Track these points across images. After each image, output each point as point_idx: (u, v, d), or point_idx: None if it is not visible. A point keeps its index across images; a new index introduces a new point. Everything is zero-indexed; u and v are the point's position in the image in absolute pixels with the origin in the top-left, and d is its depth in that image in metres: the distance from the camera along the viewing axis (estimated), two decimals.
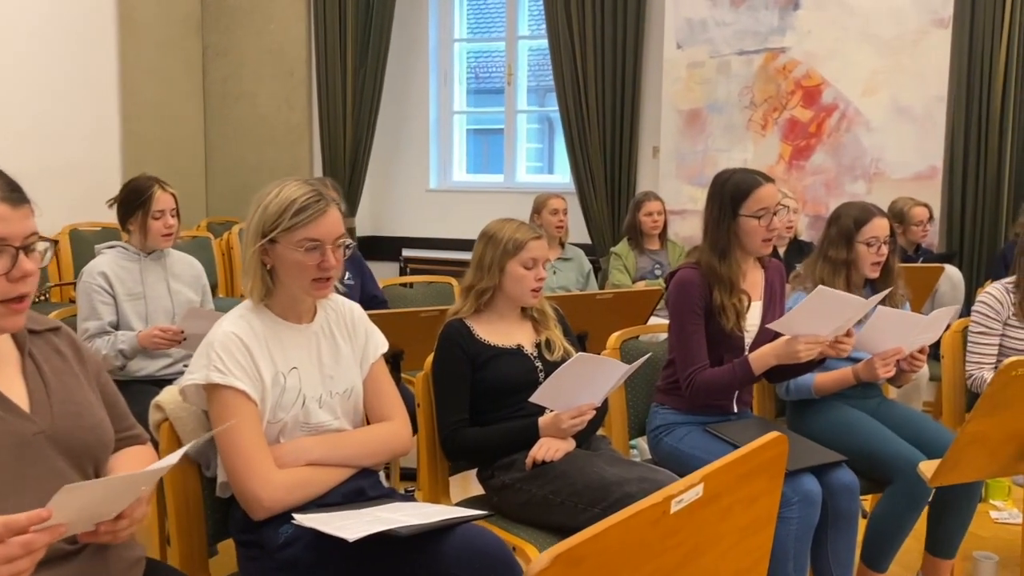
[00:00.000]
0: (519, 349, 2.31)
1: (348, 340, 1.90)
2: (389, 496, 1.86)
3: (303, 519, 1.63)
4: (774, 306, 2.58)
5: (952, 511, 2.65)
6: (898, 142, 5.00)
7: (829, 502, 2.38)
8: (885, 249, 2.77)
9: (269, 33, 6.29)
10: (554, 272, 4.34)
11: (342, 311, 1.92)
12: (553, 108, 5.99)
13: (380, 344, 1.96)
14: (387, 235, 6.61)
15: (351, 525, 1.56)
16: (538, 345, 2.33)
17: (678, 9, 5.35)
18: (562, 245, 4.42)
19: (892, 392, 3.40)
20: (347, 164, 6.23)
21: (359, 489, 1.82)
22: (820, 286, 2.27)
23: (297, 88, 6.27)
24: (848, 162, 5.12)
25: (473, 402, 2.27)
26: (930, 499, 2.78)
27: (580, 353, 2.09)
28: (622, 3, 5.53)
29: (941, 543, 2.67)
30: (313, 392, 1.81)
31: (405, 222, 6.59)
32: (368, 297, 3.58)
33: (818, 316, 2.25)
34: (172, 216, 3.00)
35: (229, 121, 6.42)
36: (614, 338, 2.71)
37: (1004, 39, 4.77)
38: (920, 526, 2.71)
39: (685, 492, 1.04)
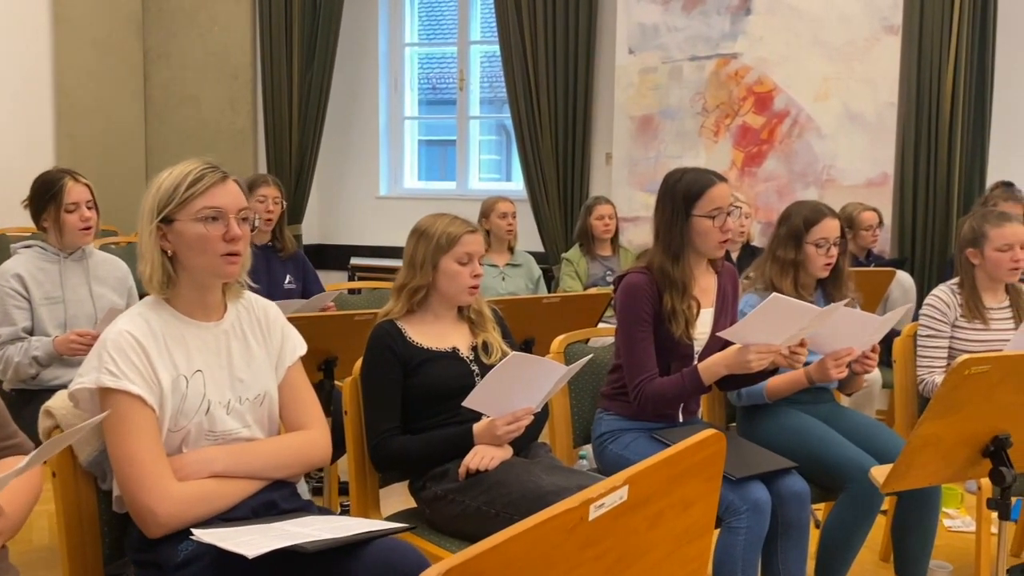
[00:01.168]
0: (454, 352, 2.18)
1: (262, 341, 1.76)
2: (304, 509, 1.72)
3: (202, 535, 1.48)
4: (726, 313, 2.48)
5: (914, 526, 2.57)
6: (849, 148, 4.98)
7: (779, 511, 2.28)
8: (835, 251, 2.70)
9: (213, 35, 6.12)
10: (503, 278, 4.22)
11: (255, 310, 1.78)
12: (506, 115, 5.89)
13: (298, 346, 1.82)
14: (335, 243, 6.44)
15: (254, 541, 1.42)
16: (474, 348, 2.21)
17: (630, 14, 5.29)
18: (511, 250, 4.31)
19: (844, 400, 3.34)
20: (293, 170, 6.06)
21: (270, 502, 1.67)
22: (774, 294, 2.17)
23: (241, 91, 6.09)
24: (800, 168, 5.09)
25: (405, 409, 2.14)
26: (887, 511, 2.70)
27: (515, 353, 1.96)
28: (574, 8, 5.45)
29: (908, 564, 2.58)
30: (220, 397, 1.66)
31: (354, 230, 6.43)
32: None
33: (771, 325, 2.16)
34: (88, 208, 2.82)
35: (171, 125, 6.22)
36: (558, 342, 2.59)
37: (952, 45, 4.78)
38: (875, 536, 2.63)
39: (606, 496, 0.92)
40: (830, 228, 2.68)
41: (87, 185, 2.84)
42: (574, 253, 4.49)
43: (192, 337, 1.65)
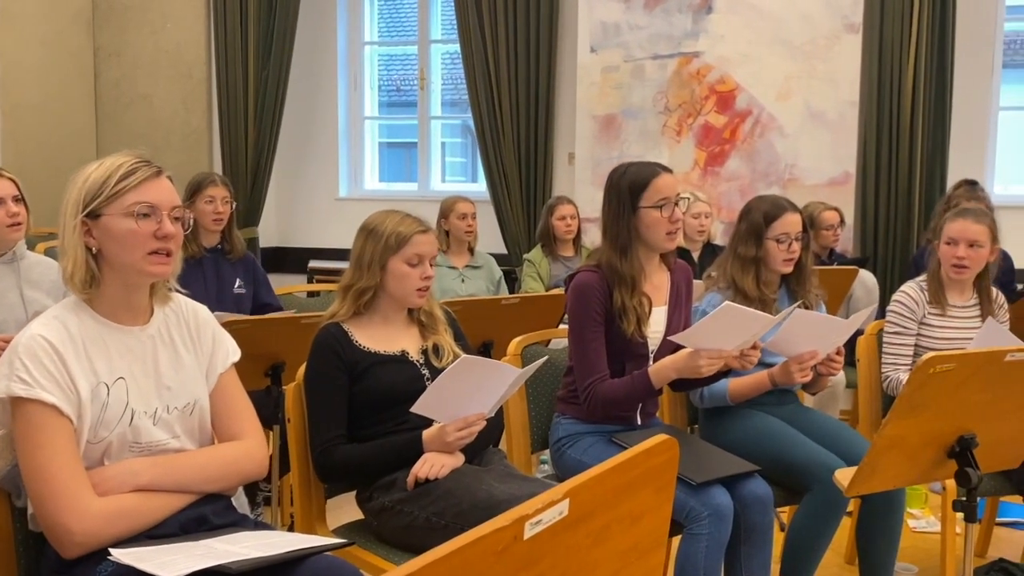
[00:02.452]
0: (403, 355, 2.08)
1: (192, 347, 1.65)
2: (238, 524, 1.61)
3: (121, 555, 1.36)
4: (680, 311, 2.41)
5: (879, 528, 2.52)
6: (812, 148, 4.96)
7: (742, 516, 2.21)
8: (797, 246, 2.64)
9: (166, 32, 5.95)
10: (462, 280, 4.13)
11: (184, 313, 1.67)
12: (468, 115, 5.79)
13: (231, 352, 1.71)
14: (294, 245, 6.29)
15: (176, 561, 1.31)
16: (425, 351, 2.11)
17: (591, 12, 5.22)
18: (471, 251, 4.21)
19: (808, 400, 3.29)
20: (249, 170, 5.91)
21: (201, 517, 1.56)
22: (726, 303, 2.12)
23: (195, 90, 5.93)
24: (763, 168, 5.05)
25: (352, 416, 2.04)
26: (851, 511, 2.65)
27: (465, 356, 1.87)
28: (535, 5, 5.37)
29: (874, 567, 2.53)
30: (145, 407, 1.55)
31: (313, 232, 6.28)
32: (262, 306, 3.31)
33: (723, 332, 2.10)
34: (15, 203, 2.67)
35: (123, 125, 6.04)
36: (515, 344, 2.51)
37: (912, 44, 4.77)
38: (839, 538, 2.57)
39: (544, 511, 0.83)
40: (791, 223, 2.62)
41: (11, 179, 2.69)
42: (536, 254, 4.40)
43: (115, 342, 1.54)
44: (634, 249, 2.29)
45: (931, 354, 1.77)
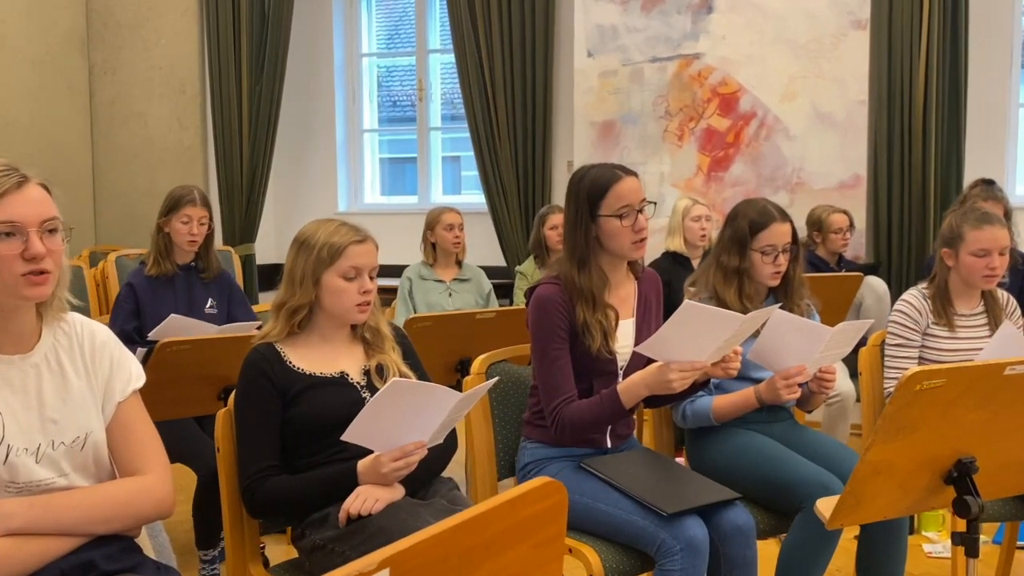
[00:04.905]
0: (342, 377, 1.92)
1: (84, 373, 1.49)
2: (135, 569, 1.44)
3: None
4: (649, 323, 2.22)
5: (881, 556, 2.31)
6: (820, 150, 4.74)
7: (721, 549, 2.01)
8: (784, 259, 2.43)
9: (159, 48, 5.88)
10: (450, 294, 3.96)
11: (79, 335, 1.51)
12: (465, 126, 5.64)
13: (133, 377, 1.55)
14: None
15: None
16: (367, 372, 1.94)
17: (588, 15, 5.06)
18: (459, 264, 4.05)
19: (818, 415, 3.07)
20: (245, 186, 5.80)
21: (87, 562, 1.40)
22: (687, 301, 1.91)
23: (189, 107, 5.85)
24: (768, 172, 4.84)
25: (286, 444, 1.87)
26: (855, 537, 2.43)
27: (395, 379, 1.69)
28: (530, 10, 5.21)
29: None
30: (26, 443, 1.39)
31: None
32: None
33: (691, 337, 1.90)
34: None
35: (117, 143, 5.98)
36: (479, 362, 2.33)
37: (924, 39, 4.53)
38: (846, 564, 2.36)
39: None
40: (778, 234, 2.41)
41: None
42: (528, 266, 4.23)
43: None
44: (595, 260, 2.11)
45: (915, 369, 1.57)
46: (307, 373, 1.89)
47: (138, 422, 1.53)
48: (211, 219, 3.26)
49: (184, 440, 2.69)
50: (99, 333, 1.54)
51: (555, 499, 0.84)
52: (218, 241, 5.93)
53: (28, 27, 5.53)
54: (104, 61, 5.96)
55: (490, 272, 4.28)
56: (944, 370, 1.59)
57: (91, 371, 1.50)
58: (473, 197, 5.99)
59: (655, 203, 2.15)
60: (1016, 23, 4.73)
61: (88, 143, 6.00)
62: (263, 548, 1.74)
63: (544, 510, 0.84)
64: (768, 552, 2.33)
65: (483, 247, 5.27)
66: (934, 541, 3.26)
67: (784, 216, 2.47)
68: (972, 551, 1.77)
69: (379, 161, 6.40)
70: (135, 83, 5.92)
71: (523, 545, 0.82)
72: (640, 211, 2.09)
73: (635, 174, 2.14)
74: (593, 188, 2.09)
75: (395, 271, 4.10)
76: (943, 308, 2.64)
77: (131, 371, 1.55)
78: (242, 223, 5.80)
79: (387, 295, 4.21)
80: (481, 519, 0.76)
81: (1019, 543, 3.02)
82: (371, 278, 1.91)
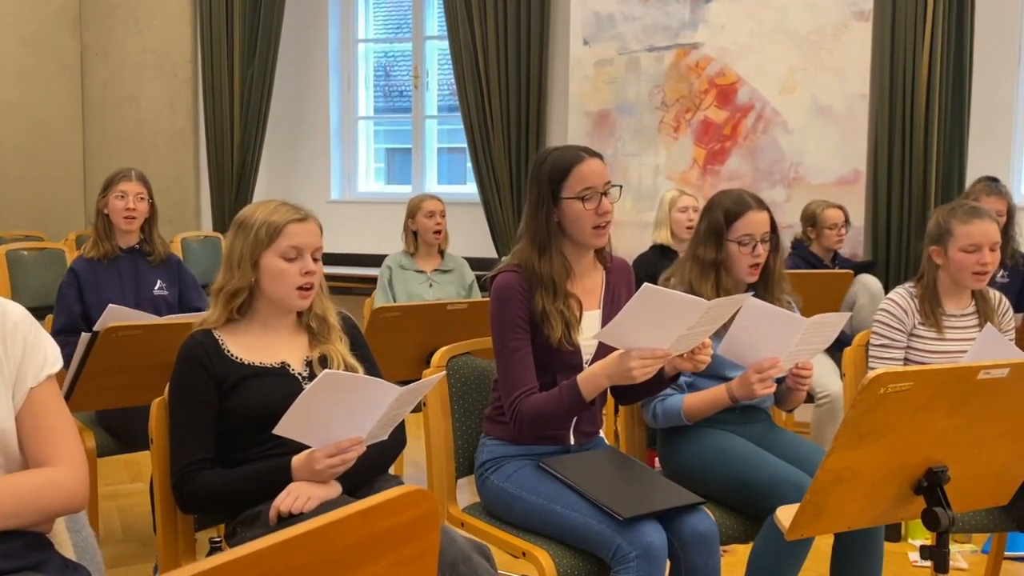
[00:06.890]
0: (283, 367, 1.83)
1: None
2: (39, 567, 1.36)
3: None
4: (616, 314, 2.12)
5: (854, 566, 2.20)
6: (819, 144, 4.61)
7: (683, 556, 1.92)
8: (762, 249, 2.33)
9: (152, 30, 5.80)
10: (430, 285, 3.86)
11: None
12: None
13: (49, 362, 1.46)
14: None
15: None
16: (309, 363, 1.85)
17: (584, 2, 4.94)
18: (441, 254, 3.95)
19: (808, 414, 2.96)
20: (235, 171, 5.72)
21: None
22: (645, 284, 1.81)
23: (181, 90, 5.78)
24: (766, 166, 4.72)
25: (222, 437, 1.78)
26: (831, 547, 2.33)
27: (327, 372, 1.60)
28: None
29: None
30: None
31: None
32: (189, 310, 3.07)
33: (650, 323, 1.79)
34: None
35: (109, 126, 5.91)
36: (439, 355, 2.23)
37: (928, 31, 4.40)
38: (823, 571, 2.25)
39: None
40: (755, 223, 2.31)
41: None
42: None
43: None
44: (556, 246, 2.01)
45: (880, 370, 1.46)
46: (245, 363, 1.80)
47: (51, 410, 1.44)
48: (151, 198, 3.17)
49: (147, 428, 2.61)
50: (11, 313, 1.45)
51: (424, 509, 0.74)
52: (207, 227, 5.90)
53: (19, 5, 5.47)
54: (96, 42, 5.88)
55: (483, 263, 4.17)
56: (911, 372, 1.49)
57: (1, 354, 1.41)
58: (473, 188, 5.90)
59: (620, 186, 2.04)
60: (1023, 16, 4.59)
61: (79, 125, 5.94)
62: (219, 543, 1.66)
63: (409, 522, 0.74)
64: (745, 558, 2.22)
65: (473, 238, 5.19)
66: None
67: (760, 204, 2.36)
68: (941, 566, 1.67)
69: (383, 151, 6.29)
70: (127, 65, 5.85)
71: (380, 563, 0.72)
72: (604, 194, 1.98)
73: (600, 156, 2.04)
74: (555, 170, 2.00)
75: None
76: (931, 308, 2.53)
77: (47, 354, 1.46)
78: (232, 209, 5.72)
79: (372, 285, 4.13)
80: (324, 531, 0.66)
81: (1007, 553, 2.91)
82: (315, 260, 1.82)
